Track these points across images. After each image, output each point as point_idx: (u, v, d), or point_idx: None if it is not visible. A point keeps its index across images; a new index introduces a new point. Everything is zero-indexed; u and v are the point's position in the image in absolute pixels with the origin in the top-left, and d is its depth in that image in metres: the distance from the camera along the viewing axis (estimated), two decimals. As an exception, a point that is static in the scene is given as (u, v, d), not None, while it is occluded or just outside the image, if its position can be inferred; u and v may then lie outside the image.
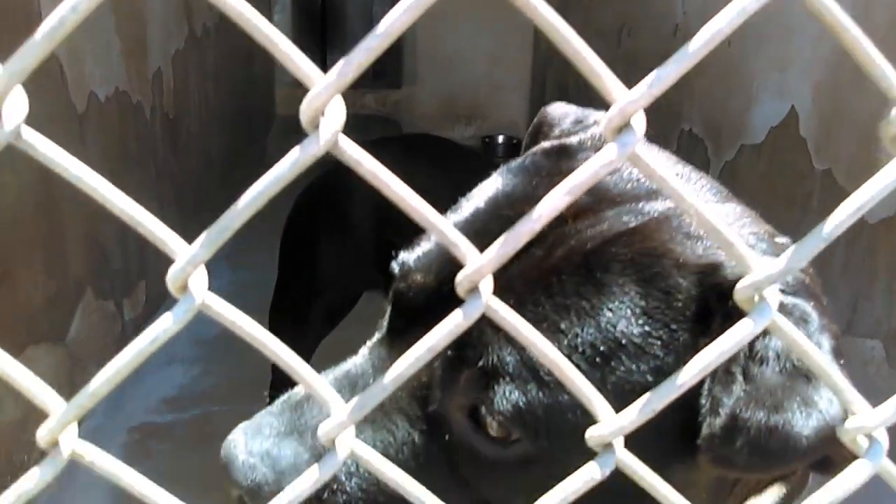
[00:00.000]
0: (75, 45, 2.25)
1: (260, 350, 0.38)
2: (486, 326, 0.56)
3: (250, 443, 0.64)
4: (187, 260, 0.34)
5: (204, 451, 2.12)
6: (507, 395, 0.56)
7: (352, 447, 0.36)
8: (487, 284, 0.34)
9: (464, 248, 0.34)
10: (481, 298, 0.34)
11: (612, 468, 0.40)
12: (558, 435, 0.56)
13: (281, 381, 1.92)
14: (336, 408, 0.36)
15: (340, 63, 0.32)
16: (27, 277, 1.93)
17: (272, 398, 2.03)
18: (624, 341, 0.56)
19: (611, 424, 0.39)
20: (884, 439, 0.36)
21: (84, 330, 2.27)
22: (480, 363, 0.57)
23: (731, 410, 0.52)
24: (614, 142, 0.32)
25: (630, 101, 0.31)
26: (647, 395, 0.38)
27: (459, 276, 0.34)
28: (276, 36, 0.33)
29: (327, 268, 1.65)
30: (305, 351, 1.75)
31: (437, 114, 5.82)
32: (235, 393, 2.38)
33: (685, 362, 0.36)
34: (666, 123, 3.38)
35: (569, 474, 0.44)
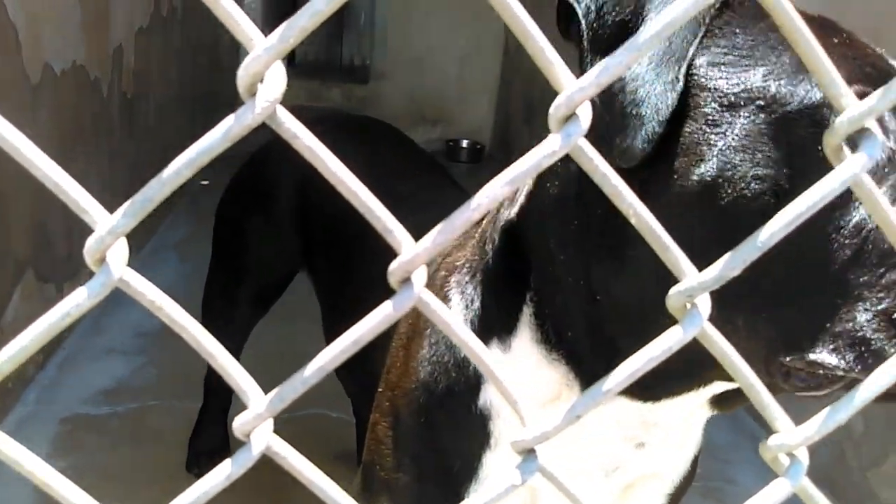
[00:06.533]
0: (33, 11, 2.17)
1: (179, 333, 0.35)
2: None
3: None
4: (108, 230, 0.32)
5: (138, 447, 2.07)
6: None
7: (268, 442, 0.34)
8: (421, 275, 0.33)
9: (399, 236, 0.33)
10: (413, 290, 0.32)
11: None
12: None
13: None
14: (254, 399, 0.34)
15: (283, 26, 0.30)
16: (-36, 252, 1.86)
17: (208, 384, 1.97)
18: None
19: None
20: (804, 458, 0.36)
21: (22, 312, 2.20)
22: None
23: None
24: (559, 132, 0.31)
25: (578, 89, 0.30)
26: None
27: (393, 266, 0.33)
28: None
29: (255, 250, 1.66)
30: (238, 332, 1.74)
31: (402, 113, 5.79)
32: (175, 388, 2.32)
33: None
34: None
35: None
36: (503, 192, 0.31)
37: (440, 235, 0.32)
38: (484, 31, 5.89)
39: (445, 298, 0.92)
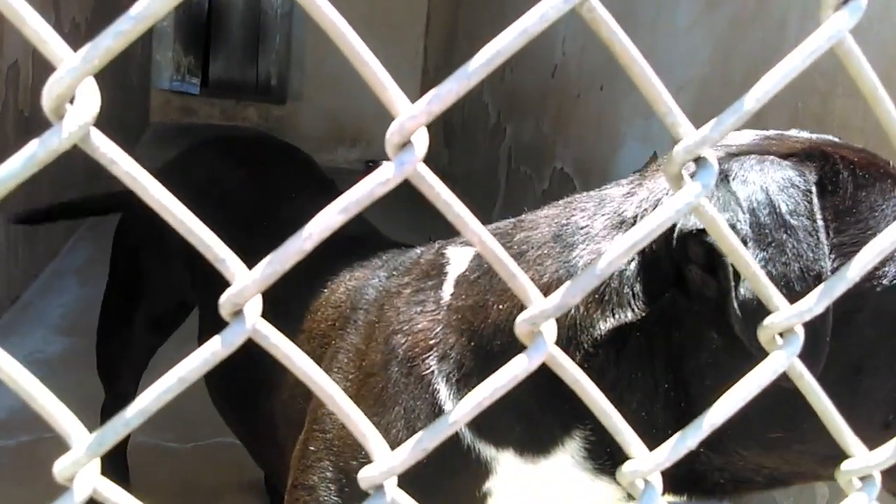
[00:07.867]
0: (-87, 27, 2.05)
1: (-5, 372, 0.33)
2: None
3: None
4: None
5: (30, 483, 1.93)
6: None
7: (94, 485, 0.32)
8: (254, 306, 0.31)
9: (232, 266, 0.31)
10: (245, 323, 0.31)
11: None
12: None
13: (111, 385, 1.79)
14: (77, 442, 0.32)
15: (87, 46, 0.28)
16: None
17: (107, 407, 1.87)
18: None
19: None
20: (658, 483, 0.36)
21: None
22: None
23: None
24: (394, 160, 0.30)
25: (410, 116, 0.29)
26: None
27: (223, 297, 0.31)
28: (24, 10, 0.29)
29: (148, 277, 1.63)
30: (134, 355, 1.68)
31: (321, 133, 5.74)
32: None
33: None
34: (541, 161, 3.48)
35: None
36: (336, 220, 0.30)
37: (270, 266, 0.30)
38: (401, 50, 5.92)
39: (422, 378, 0.81)
